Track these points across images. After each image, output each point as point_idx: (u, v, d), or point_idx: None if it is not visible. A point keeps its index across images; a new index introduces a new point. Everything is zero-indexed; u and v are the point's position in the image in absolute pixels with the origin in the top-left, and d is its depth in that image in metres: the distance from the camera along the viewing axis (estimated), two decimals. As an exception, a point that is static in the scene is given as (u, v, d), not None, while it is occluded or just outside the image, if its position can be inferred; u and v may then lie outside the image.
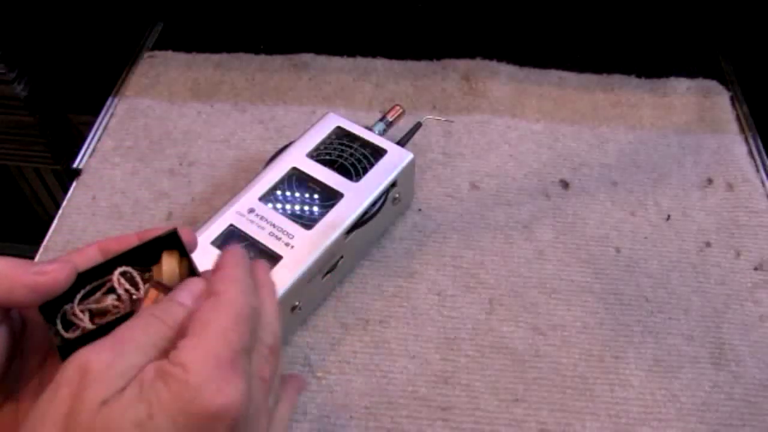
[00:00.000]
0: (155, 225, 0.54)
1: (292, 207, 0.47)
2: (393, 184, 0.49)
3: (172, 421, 0.26)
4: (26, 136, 0.83)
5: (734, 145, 0.62)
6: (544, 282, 0.51)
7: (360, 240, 0.49)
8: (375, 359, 0.47)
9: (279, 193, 0.48)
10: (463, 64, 0.68)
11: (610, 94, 0.66)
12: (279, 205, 0.47)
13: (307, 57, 0.68)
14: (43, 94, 0.80)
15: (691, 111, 0.65)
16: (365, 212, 0.47)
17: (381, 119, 0.56)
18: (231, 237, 0.45)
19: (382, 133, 0.54)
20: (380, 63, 0.68)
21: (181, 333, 0.29)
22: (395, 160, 0.50)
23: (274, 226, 0.45)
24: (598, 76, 0.68)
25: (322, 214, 0.46)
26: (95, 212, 0.55)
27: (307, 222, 0.46)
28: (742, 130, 0.63)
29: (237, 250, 0.34)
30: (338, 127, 0.52)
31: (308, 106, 0.64)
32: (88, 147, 0.60)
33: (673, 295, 0.51)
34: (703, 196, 0.57)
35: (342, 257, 0.47)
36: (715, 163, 0.60)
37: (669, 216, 0.56)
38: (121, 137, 0.61)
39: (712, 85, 0.67)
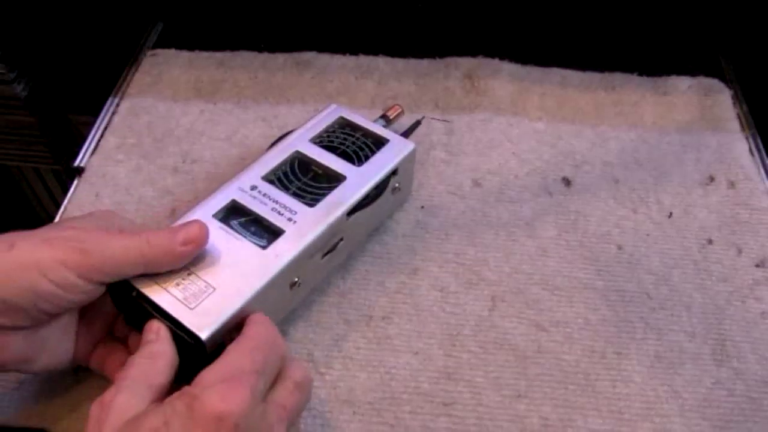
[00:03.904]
0: (159, 222, 0.54)
1: (295, 186, 0.47)
2: (394, 172, 0.49)
3: (184, 427, 0.31)
4: (26, 136, 0.83)
5: (736, 143, 0.62)
6: (547, 279, 0.51)
7: (360, 224, 0.48)
8: (378, 355, 0.47)
9: (282, 173, 0.48)
10: (465, 62, 0.68)
11: (611, 93, 0.67)
12: (282, 184, 0.47)
13: (309, 55, 0.68)
14: (43, 94, 0.80)
15: (693, 109, 0.65)
16: (367, 195, 0.47)
17: (381, 116, 0.56)
18: (233, 212, 0.45)
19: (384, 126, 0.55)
20: (383, 61, 0.68)
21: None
22: (397, 149, 0.50)
23: (276, 202, 0.45)
24: (600, 75, 0.68)
25: (325, 194, 0.46)
26: (99, 209, 0.55)
27: (310, 201, 0.46)
28: (743, 128, 0.64)
29: (260, 314, 0.40)
30: (341, 117, 0.52)
31: (311, 104, 0.64)
32: (89, 145, 0.61)
33: (675, 292, 0.51)
34: (705, 193, 0.58)
35: (342, 239, 0.47)
36: (717, 160, 0.60)
37: (671, 213, 0.56)
38: (124, 135, 0.61)
39: (714, 83, 0.67)
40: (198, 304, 0.39)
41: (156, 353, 0.36)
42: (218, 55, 0.69)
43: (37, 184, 0.95)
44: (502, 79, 0.66)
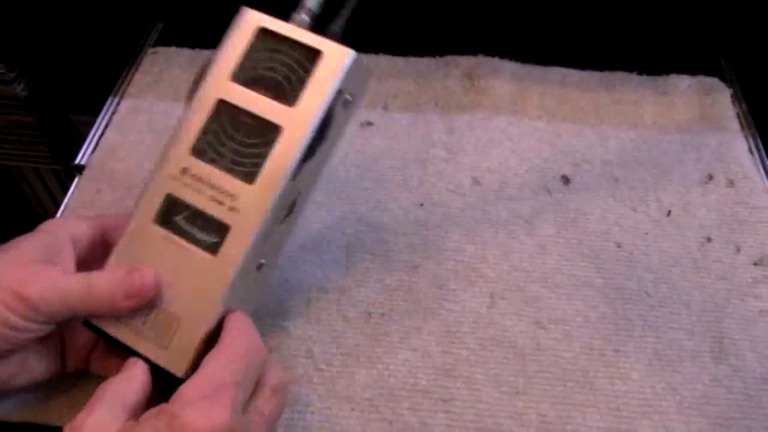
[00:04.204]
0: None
1: (229, 155, 0.40)
2: (338, 94, 0.40)
3: None
4: (26, 136, 0.83)
5: (735, 142, 0.62)
6: (546, 276, 0.51)
7: (313, 169, 0.42)
8: (377, 352, 0.47)
9: (210, 138, 0.40)
10: (465, 61, 0.68)
11: (611, 92, 0.67)
12: (214, 156, 0.40)
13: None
14: (43, 94, 0.80)
15: (693, 108, 0.65)
16: (312, 143, 0.40)
17: (301, 6, 0.42)
18: (173, 207, 0.40)
19: (311, 27, 0.42)
20: (383, 59, 0.68)
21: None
22: (334, 63, 0.39)
23: (213, 187, 0.39)
24: (600, 74, 0.68)
25: (263, 158, 0.39)
26: (100, 206, 0.55)
27: (248, 172, 0.39)
28: (743, 127, 0.64)
29: (240, 313, 0.39)
30: (260, 29, 0.40)
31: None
32: (90, 144, 0.61)
33: (674, 289, 0.51)
34: (704, 192, 0.58)
35: (299, 193, 0.42)
36: (716, 159, 0.60)
37: (670, 212, 0.56)
38: (125, 133, 0.61)
39: (714, 82, 0.67)
40: (169, 341, 0.38)
41: (131, 375, 0.36)
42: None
43: (37, 184, 0.95)
44: (502, 77, 0.66)
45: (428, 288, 0.50)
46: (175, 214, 0.40)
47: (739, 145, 0.62)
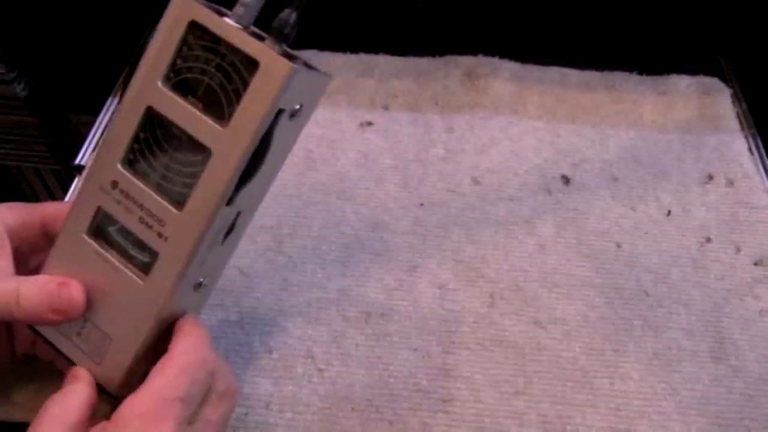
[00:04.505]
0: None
1: (160, 170, 0.35)
2: (278, 112, 0.34)
3: None
4: (26, 136, 0.83)
5: (735, 142, 0.62)
6: (545, 276, 0.51)
7: (256, 188, 0.38)
8: (377, 352, 0.47)
9: (140, 150, 0.36)
10: (465, 60, 0.68)
11: (611, 91, 0.67)
12: (144, 170, 0.36)
13: (310, 53, 0.68)
14: (43, 94, 0.80)
15: (692, 108, 0.65)
16: (248, 167, 0.35)
17: None
18: (105, 220, 0.37)
19: (251, 20, 0.35)
20: (383, 59, 0.68)
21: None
22: (272, 78, 0.33)
23: (142, 207, 0.36)
24: (600, 74, 0.68)
25: (193, 178, 0.35)
26: None
27: (178, 194, 0.35)
28: (742, 127, 0.64)
29: (191, 315, 0.38)
30: (193, 23, 0.34)
31: (311, 102, 0.64)
32: (89, 144, 0.61)
33: (674, 289, 0.51)
34: (704, 192, 0.58)
35: (239, 213, 0.38)
36: (716, 159, 0.60)
37: (669, 212, 0.56)
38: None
39: (713, 82, 0.67)
40: (102, 358, 0.37)
41: (71, 391, 0.35)
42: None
43: (37, 184, 0.95)
44: (502, 77, 0.66)
45: (428, 288, 0.50)
46: (108, 225, 0.37)
47: (738, 144, 0.62)
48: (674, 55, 0.70)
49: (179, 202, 0.35)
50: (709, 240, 0.54)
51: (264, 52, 0.33)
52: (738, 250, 0.54)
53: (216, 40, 0.33)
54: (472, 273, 0.51)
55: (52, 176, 0.93)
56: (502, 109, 0.64)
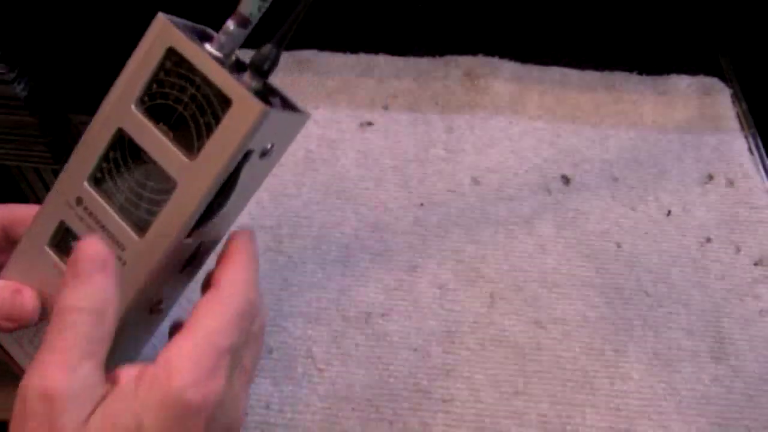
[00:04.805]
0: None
1: (125, 192, 0.35)
2: (248, 152, 0.33)
3: (161, 425, 0.28)
4: (26, 136, 0.83)
5: (735, 142, 0.62)
6: (545, 276, 0.51)
7: (221, 221, 0.37)
8: (377, 352, 0.47)
9: (108, 169, 0.35)
10: (465, 60, 0.68)
11: (611, 91, 0.67)
12: (109, 191, 0.35)
13: (309, 53, 0.68)
14: (43, 94, 0.80)
15: (692, 108, 0.65)
16: (213, 202, 0.34)
17: (235, 21, 0.34)
18: (67, 235, 0.36)
19: (234, 49, 0.34)
20: (383, 59, 0.68)
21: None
22: (242, 119, 0.32)
23: (104, 228, 0.35)
24: (600, 74, 0.68)
25: (157, 206, 0.34)
26: None
27: (141, 219, 0.34)
28: (742, 126, 0.64)
29: (247, 235, 0.34)
30: (171, 50, 0.33)
31: (311, 102, 0.64)
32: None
33: (674, 289, 0.51)
34: (704, 192, 0.58)
35: (202, 243, 0.37)
36: (716, 159, 0.60)
37: (669, 211, 0.56)
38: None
39: (713, 82, 0.67)
40: None
41: (103, 303, 0.30)
42: (219, 53, 0.69)
43: (37, 184, 0.95)
44: (502, 77, 0.66)
45: (428, 288, 0.50)
46: (70, 239, 0.36)
47: (738, 144, 0.62)
48: (674, 55, 0.70)
49: (141, 229, 0.34)
50: (709, 240, 0.54)
51: (237, 91, 0.31)
52: (738, 250, 0.54)
53: (193, 70, 0.32)
54: (472, 273, 0.51)
55: (52, 176, 0.93)
56: (502, 109, 0.64)
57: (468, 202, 0.56)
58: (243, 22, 0.33)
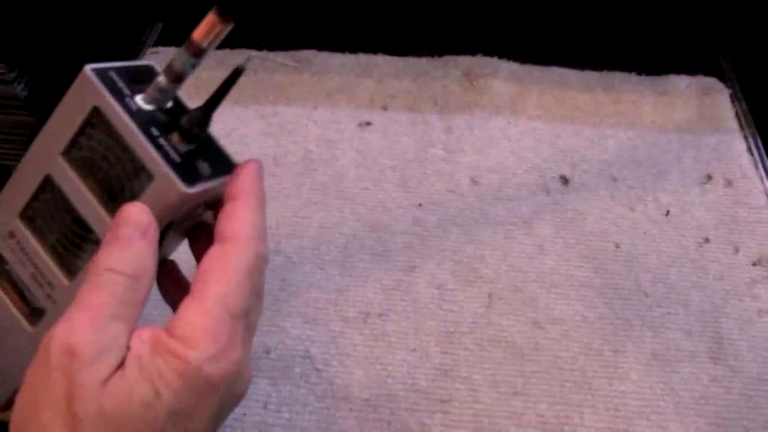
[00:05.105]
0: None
1: (56, 233, 0.33)
2: (170, 223, 0.32)
3: (177, 398, 0.26)
4: (26, 136, 0.83)
5: (734, 142, 0.62)
6: (544, 276, 0.51)
7: None
8: (375, 352, 0.47)
9: (39, 208, 0.34)
10: (464, 60, 0.68)
11: (610, 92, 0.67)
12: (41, 230, 0.34)
13: (309, 53, 0.69)
14: (43, 94, 0.80)
15: (691, 108, 0.65)
16: None
17: (168, 78, 0.31)
18: (3, 262, 0.35)
19: (166, 103, 0.32)
20: (382, 59, 0.68)
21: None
22: (162, 196, 0.30)
23: (35, 266, 0.34)
24: (599, 74, 0.68)
25: (86, 253, 0.33)
26: None
27: (70, 263, 0.33)
28: (741, 127, 0.64)
29: (253, 170, 0.32)
30: (96, 109, 0.31)
31: (310, 102, 0.64)
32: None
33: (672, 289, 0.51)
34: (703, 192, 0.58)
35: None
36: (715, 159, 0.60)
37: (668, 212, 0.56)
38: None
39: (712, 82, 0.67)
40: None
41: (140, 268, 0.29)
42: (218, 53, 0.69)
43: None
44: (501, 77, 0.66)
45: (426, 288, 0.50)
46: (5, 264, 0.35)
47: (738, 144, 0.62)
48: (673, 55, 0.70)
49: (71, 272, 0.33)
50: (707, 240, 0.54)
51: (159, 167, 0.30)
52: (736, 250, 0.54)
53: (116, 136, 0.31)
54: (470, 273, 0.51)
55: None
56: (501, 110, 0.64)
57: (467, 202, 0.56)
58: (176, 78, 0.31)
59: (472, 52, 0.69)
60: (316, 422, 0.43)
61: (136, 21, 0.74)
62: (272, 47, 0.69)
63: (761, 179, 0.59)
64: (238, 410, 0.43)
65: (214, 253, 0.29)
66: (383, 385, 0.45)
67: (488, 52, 0.69)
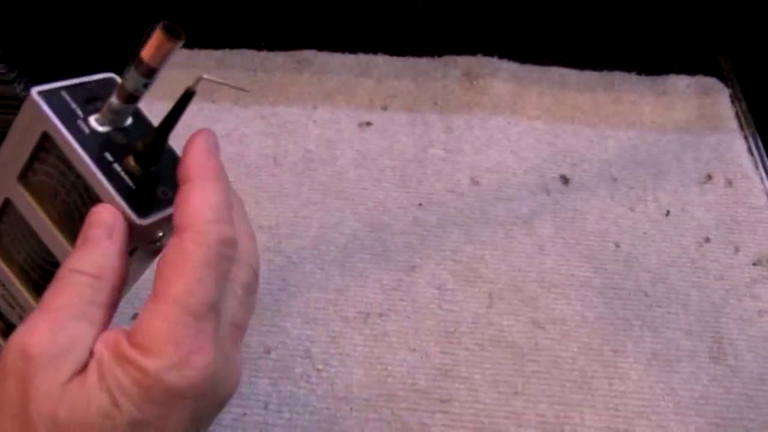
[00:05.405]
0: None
1: (22, 256, 0.33)
2: (132, 250, 0.30)
3: (138, 408, 0.25)
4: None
5: (734, 142, 0.62)
6: (544, 276, 0.51)
7: None
8: (375, 352, 0.47)
9: (3, 231, 0.33)
10: (464, 60, 0.68)
11: (610, 92, 0.67)
12: (8, 252, 0.33)
13: (308, 53, 0.68)
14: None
15: (691, 108, 0.65)
16: None
17: (121, 98, 0.30)
18: None
19: (121, 124, 0.31)
20: (382, 59, 0.68)
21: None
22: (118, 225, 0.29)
23: (5, 288, 0.33)
24: (599, 74, 0.68)
25: (50, 277, 0.30)
26: None
27: (37, 286, 0.33)
28: (741, 127, 0.64)
29: (201, 144, 0.29)
30: (45, 135, 0.29)
31: (310, 102, 0.64)
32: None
33: (672, 289, 0.51)
34: (703, 192, 0.58)
35: None
36: (715, 159, 0.60)
37: (668, 212, 0.56)
38: (124, 132, 0.61)
39: (712, 82, 0.67)
40: None
41: (103, 268, 0.27)
42: (217, 53, 0.69)
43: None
44: (501, 77, 0.66)
45: (426, 288, 0.50)
46: None
47: (738, 144, 0.62)
48: (673, 56, 0.70)
49: (39, 294, 0.32)
50: (707, 240, 0.54)
51: (110, 196, 0.28)
52: (737, 250, 0.54)
53: (66, 162, 0.29)
54: (470, 273, 0.51)
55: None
56: (501, 109, 0.64)
57: (467, 202, 0.56)
58: (128, 99, 0.30)
59: (472, 52, 0.69)
60: (317, 422, 0.43)
61: (136, 21, 0.74)
62: (272, 47, 0.69)
63: (761, 179, 0.59)
64: (238, 410, 0.43)
65: (170, 247, 0.26)
66: (383, 385, 0.45)
67: (488, 52, 0.69)
